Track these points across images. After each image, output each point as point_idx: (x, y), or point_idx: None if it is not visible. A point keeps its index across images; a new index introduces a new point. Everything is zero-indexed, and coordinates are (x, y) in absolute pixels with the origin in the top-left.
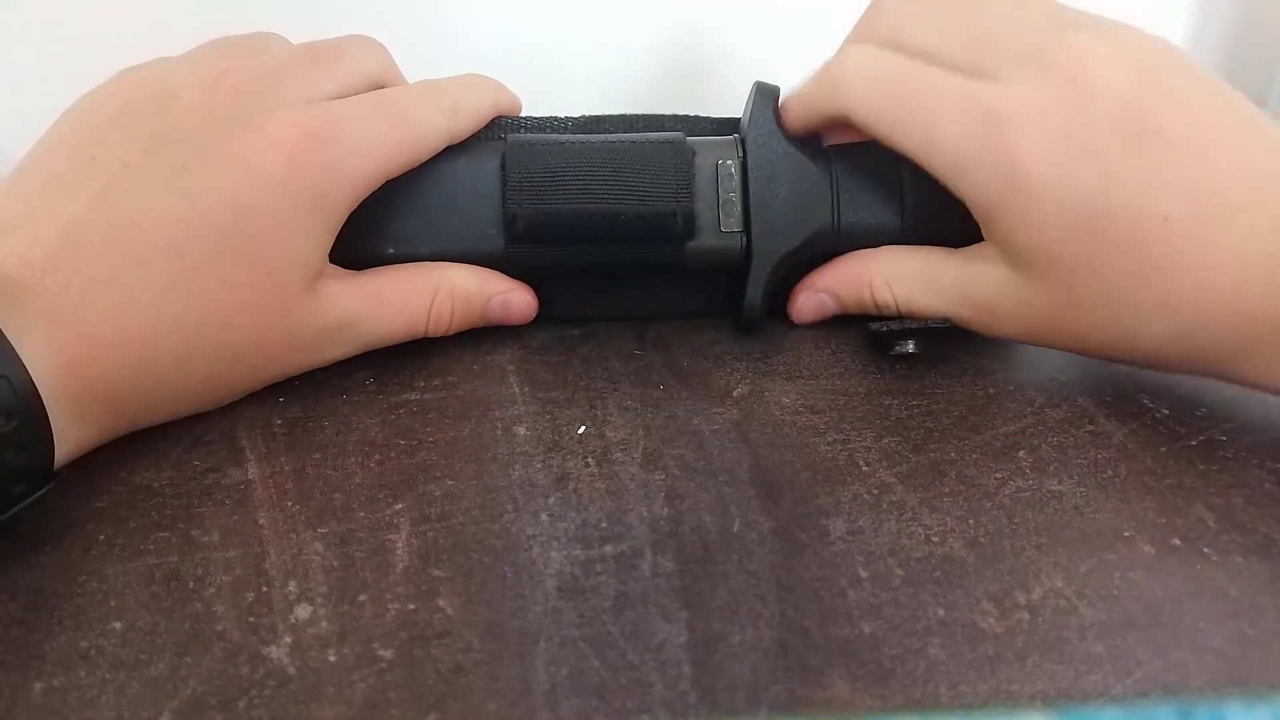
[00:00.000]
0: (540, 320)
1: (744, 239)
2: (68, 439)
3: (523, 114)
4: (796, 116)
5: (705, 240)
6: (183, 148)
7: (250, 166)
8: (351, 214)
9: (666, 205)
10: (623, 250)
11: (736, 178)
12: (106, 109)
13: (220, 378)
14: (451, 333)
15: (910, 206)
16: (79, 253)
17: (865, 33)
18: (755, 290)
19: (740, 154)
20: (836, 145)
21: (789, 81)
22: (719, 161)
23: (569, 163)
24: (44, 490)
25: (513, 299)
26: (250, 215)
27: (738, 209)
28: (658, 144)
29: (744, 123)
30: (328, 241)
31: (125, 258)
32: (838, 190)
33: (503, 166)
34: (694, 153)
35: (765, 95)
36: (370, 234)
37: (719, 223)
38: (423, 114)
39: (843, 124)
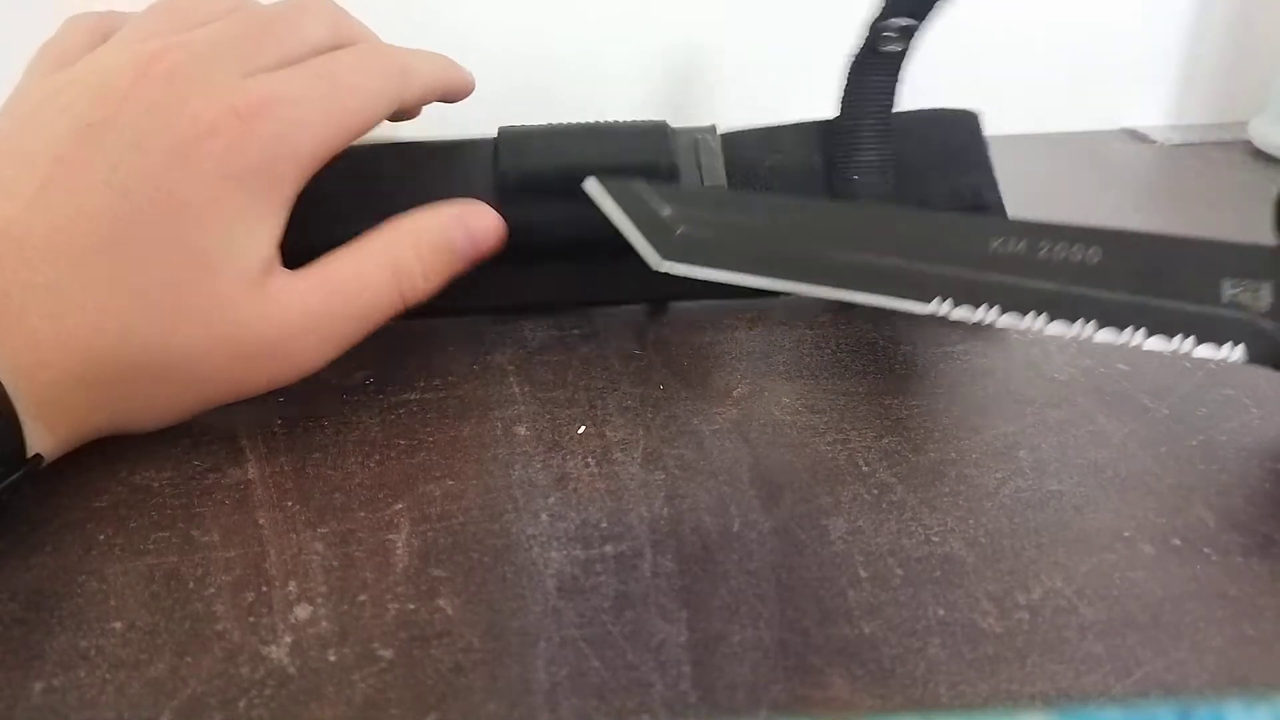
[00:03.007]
0: (521, 311)
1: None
2: (36, 441)
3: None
4: None
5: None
6: (118, 139)
7: (182, 154)
8: (337, 198)
9: (650, 157)
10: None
11: (716, 147)
12: (46, 103)
13: (170, 390)
14: (434, 288)
15: None
16: (19, 255)
17: None
18: None
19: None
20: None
21: (786, 86)
22: (698, 138)
23: (559, 130)
24: (14, 476)
25: (471, 217)
26: (185, 208)
27: (720, 172)
28: (638, 122)
29: None
30: (275, 230)
31: (64, 260)
32: None
33: (496, 140)
34: (673, 130)
35: None
36: (353, 216)
37: (701, 182)
38: (368, 80)
39: None
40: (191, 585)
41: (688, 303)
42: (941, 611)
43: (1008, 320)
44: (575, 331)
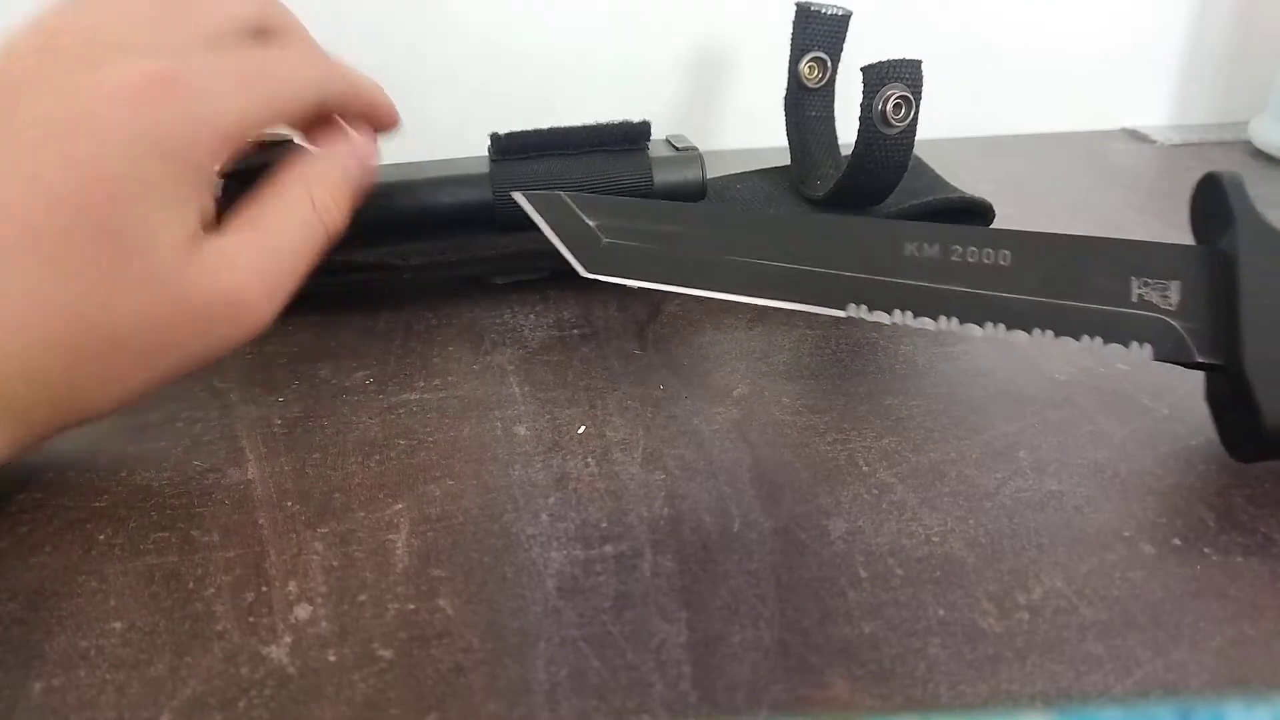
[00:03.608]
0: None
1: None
2: None
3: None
4: None
5: (659, 149)
6: (31, 121)
7: (93, 128)
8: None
9: (633, 126)
10: (595, 161)
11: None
12: None
13: (120, 368)
14: (346, 218)
15: None
16: None
17: None
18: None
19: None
20: None
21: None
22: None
23: (551, 141)
24: None
25: (360, 148)
26: (100, 183)
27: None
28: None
29: (1214, 212)
30: (197, 203)
31: None
32: None
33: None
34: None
35: (1237, 183)
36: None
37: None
38: (290, 66)
39: None
40: (191, 585)
41: (688, 303)
42: (941, 611)
43: (921, 323)
44: (575, 331)
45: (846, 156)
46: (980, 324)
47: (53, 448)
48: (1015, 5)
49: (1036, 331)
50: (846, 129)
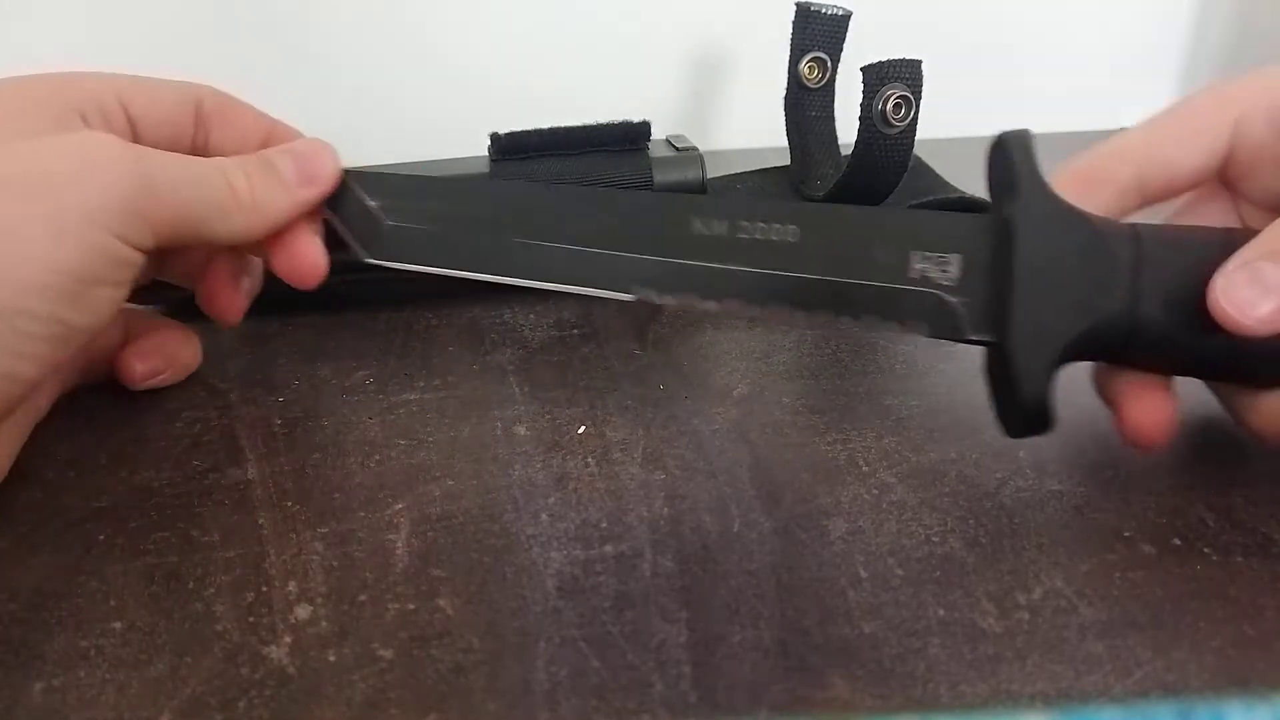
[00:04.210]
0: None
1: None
2: None
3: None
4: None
5: (659, 149)
6: None
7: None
8: None
9: (633, 126)
10: (595, 161)
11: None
12: None
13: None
14: (267, 204)
15: None
16: None
17: None
18: (1033, 384)
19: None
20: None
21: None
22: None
23: (550, 141)
24: None
25: (304, 152)
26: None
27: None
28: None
29: (1002, 177)
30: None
31: None
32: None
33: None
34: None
35: (1024, 146)
36: None
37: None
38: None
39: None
40: (191, 585)
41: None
42: (941, 611)
43: (708, 305)
44: (575, 331)
45: (846, 156)
46: (764, 305)
47: (53, 448)
48: (1015, 5)
49: (819, 312)
50: (846, 129)
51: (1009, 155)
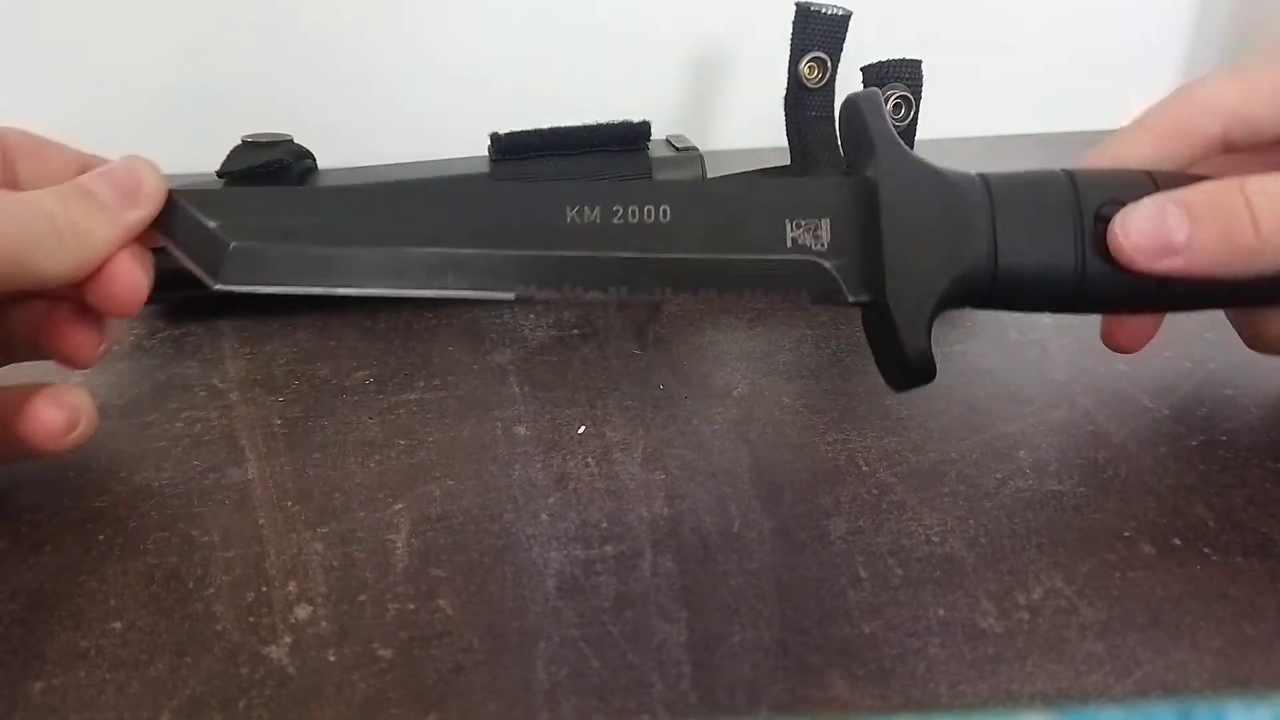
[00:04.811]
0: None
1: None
2: None
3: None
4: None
5: (659, 149)
6: None
7: None
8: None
9: (633, 126)
10: (595, 161)
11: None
12: None
13: None
14: (86, 230)
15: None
16: None
17: None
18: (915, 338)
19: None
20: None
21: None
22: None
23: (550, 141)
24: None
25: (119, 171)
26: None
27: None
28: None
29: (857, 139)
30: None
31: None
32: (995, 221)
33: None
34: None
35: (875, 107)
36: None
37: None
38: None
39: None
40: (191, 585)
41: (687, 302)
42: (941, 611)
43: (593, 295)
44: (575, 331)
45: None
46: (649, 291)
47: None
48: (1015, 5)
49: (702, 290)
50: None
51: (862, 117)
